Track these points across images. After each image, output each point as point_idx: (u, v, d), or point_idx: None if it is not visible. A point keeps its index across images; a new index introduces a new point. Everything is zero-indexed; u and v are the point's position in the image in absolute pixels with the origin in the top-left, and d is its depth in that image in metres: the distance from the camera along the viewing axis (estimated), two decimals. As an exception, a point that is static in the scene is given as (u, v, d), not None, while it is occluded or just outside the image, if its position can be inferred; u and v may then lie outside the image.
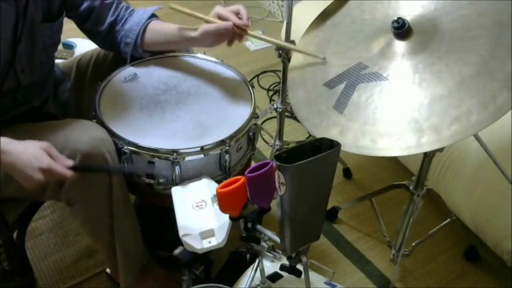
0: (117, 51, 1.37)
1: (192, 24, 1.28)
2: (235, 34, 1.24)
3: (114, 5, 1.32)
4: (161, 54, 1.42)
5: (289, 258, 0.96)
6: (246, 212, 0.94)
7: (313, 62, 1.23)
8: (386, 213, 1.69)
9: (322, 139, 0.85)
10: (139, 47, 1.34)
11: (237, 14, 1.24)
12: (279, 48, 1.42)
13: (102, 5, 1.30)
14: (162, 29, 1.34)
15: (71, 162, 1.06)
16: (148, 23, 1.33)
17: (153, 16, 1.36)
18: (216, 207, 0.92)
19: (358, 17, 1.24)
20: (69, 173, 1.04)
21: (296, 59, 1.30)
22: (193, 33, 1.26)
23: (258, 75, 2.44)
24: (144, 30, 1.32)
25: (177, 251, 1.09)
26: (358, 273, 1.59)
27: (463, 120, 0.96)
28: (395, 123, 1.03)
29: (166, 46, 1.39)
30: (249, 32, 1.25)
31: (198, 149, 1.16)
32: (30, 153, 1.01)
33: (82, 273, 1.54)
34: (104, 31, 1.33)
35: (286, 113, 1.68)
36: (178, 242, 1.03)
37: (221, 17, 1.24)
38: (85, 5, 1.27)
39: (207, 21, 1.25)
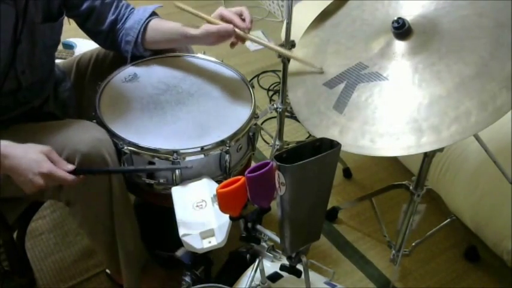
0: (118, 50, 1.37)
1: (191, 24, 1.28)
2: (237, 37, 1.24)
3: (115, 4, 1.32)
4: (161, 54, 1.42)
5: (289, 258, 0.96)
6: (246, 212, 0.95)
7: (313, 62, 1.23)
8: (387, 213, 1.69)
9: (322, 139, 0.85)
10: (140, 46, 1.34)
11: (240, 15, 1.25)
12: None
13: (103, 4, 1.30)
14: (162, 26, 1.33)
15: (71, 167, 1.06)
16: (149, 21, 1.33)
17: (153, 14, 1.36)
18: (216, 207, 0.92)
19: (358, 17, 1.24)
20: (70, 177, 1.04)
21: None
22: (195, 32, 1.26)
23: (258, 75, 2.44)
24: (145, 29, 1.32)
25: (178, 253, 1.09)
26: (358, 273, 1.59)
27: (462, 121, 0.96)
28: (395, 123, 1.03)
29: (167, 44, 1.39)
30: (251, 36, 1.24)
31: (198, 149, 1.16)
32: (31, 158, 1.00)
33: (82, 273, 1.54)
34: (104, 30, 1.33)
35: (286, 113, 1.68)
36: (179, 242, 1.03)
37: (224, 19, 1.24)
38: (85, 5, 1.27)
39: (209, 22, 1.25)
